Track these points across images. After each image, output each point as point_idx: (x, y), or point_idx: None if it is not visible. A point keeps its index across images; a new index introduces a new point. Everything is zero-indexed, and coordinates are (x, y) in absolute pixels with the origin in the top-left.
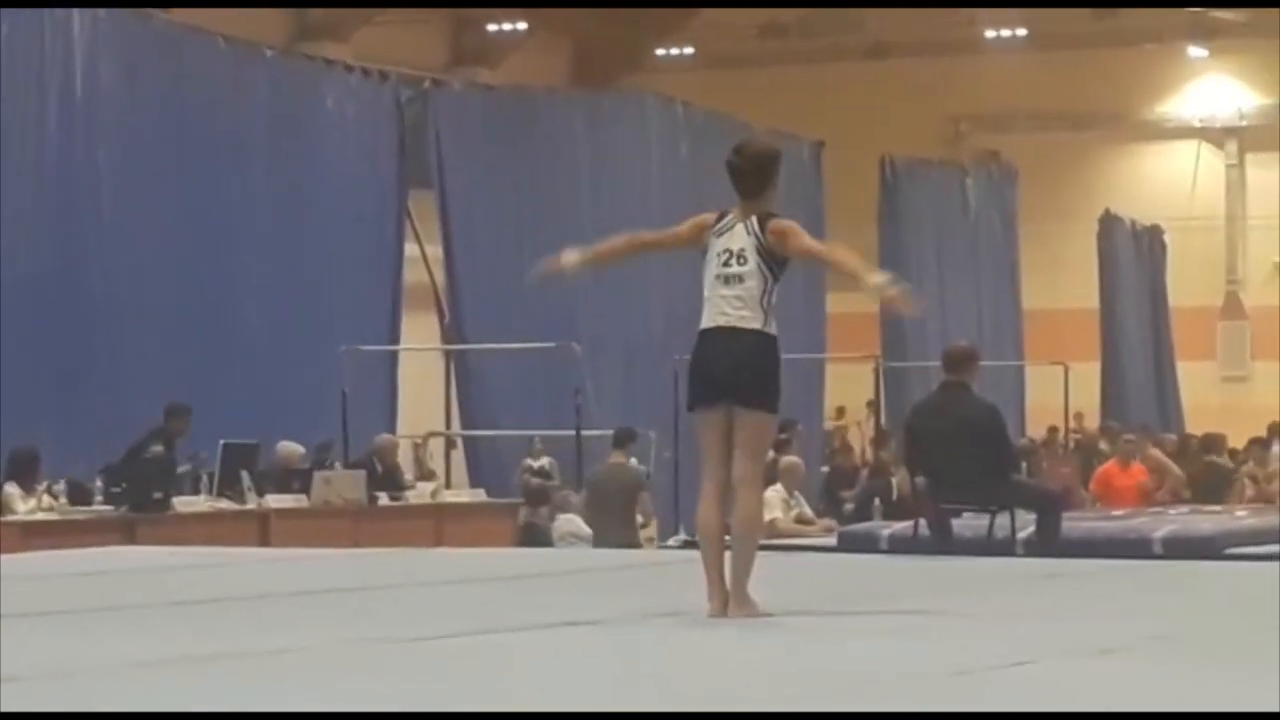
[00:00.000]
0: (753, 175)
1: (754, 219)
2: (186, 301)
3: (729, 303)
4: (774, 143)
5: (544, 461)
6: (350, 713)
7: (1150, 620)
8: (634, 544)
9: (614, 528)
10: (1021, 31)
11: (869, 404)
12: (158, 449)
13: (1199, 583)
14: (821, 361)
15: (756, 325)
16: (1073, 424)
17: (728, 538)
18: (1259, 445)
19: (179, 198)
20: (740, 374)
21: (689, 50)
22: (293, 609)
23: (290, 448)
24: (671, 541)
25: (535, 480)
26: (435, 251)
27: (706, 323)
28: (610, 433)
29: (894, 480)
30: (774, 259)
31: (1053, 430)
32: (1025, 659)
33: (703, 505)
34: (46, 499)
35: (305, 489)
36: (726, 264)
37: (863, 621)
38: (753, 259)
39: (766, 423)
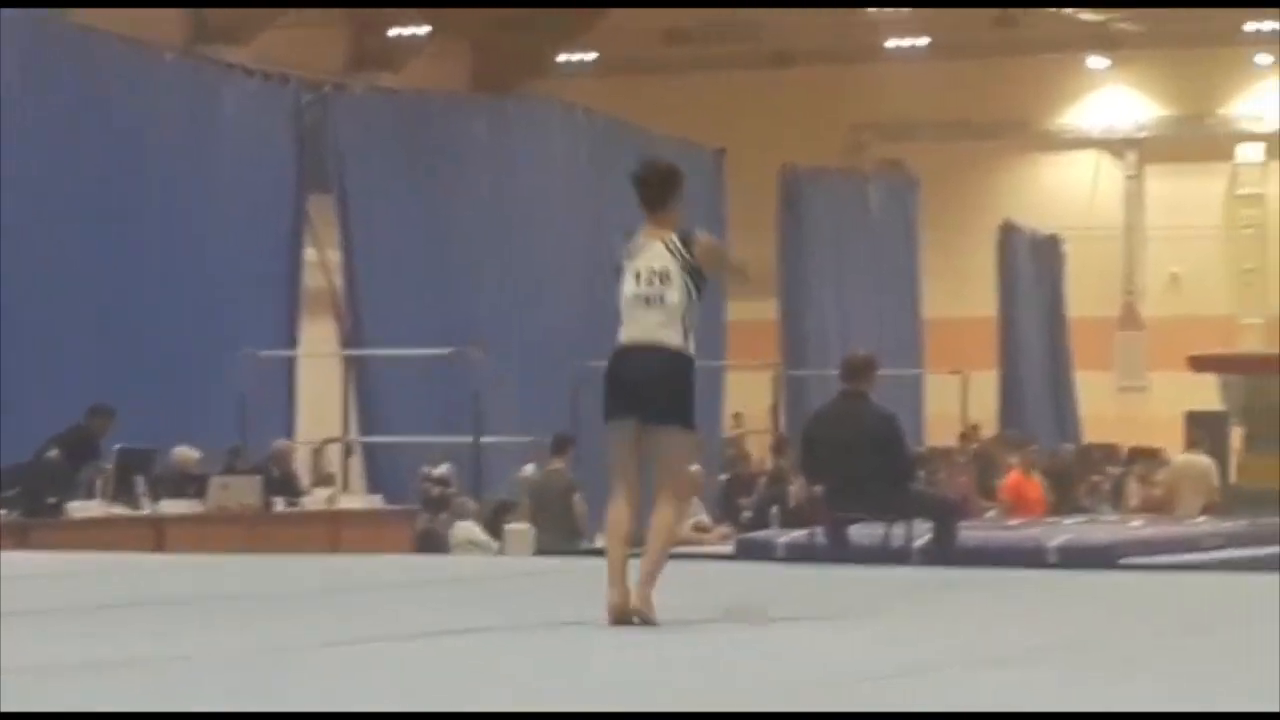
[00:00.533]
0: (659, 188)
1: (674, 237)
2: (84, 305)
3: (651, 321)
4: (675, 159)
5: (443, 469)
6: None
7: (1045, 629)
8: (575, 545)
9: (554, 530)
10: (923, 41)
11: (771, 410)
12: (53, 454)
13: (1094, 591)
14: (720, 369)
15: (677, 343)
16: (968, 432)
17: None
18: (1146, 455)
19: (77, 201)
20: (657, 390)
21: (591, 56)
22: (183, 615)
23: (185, 453)
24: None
25: (435, 488)
26: (335, 256)
27: (625, 339)
28: (512, 439)
29: (791, 488)
30: (698, 276)
31: (964, 437)
32: (921, 668)
33: (612, 507)
34: None
35: (201, 495)
36: (649, 283)
37: (756, 630)
38: (677, 278)
39: (682, 438)
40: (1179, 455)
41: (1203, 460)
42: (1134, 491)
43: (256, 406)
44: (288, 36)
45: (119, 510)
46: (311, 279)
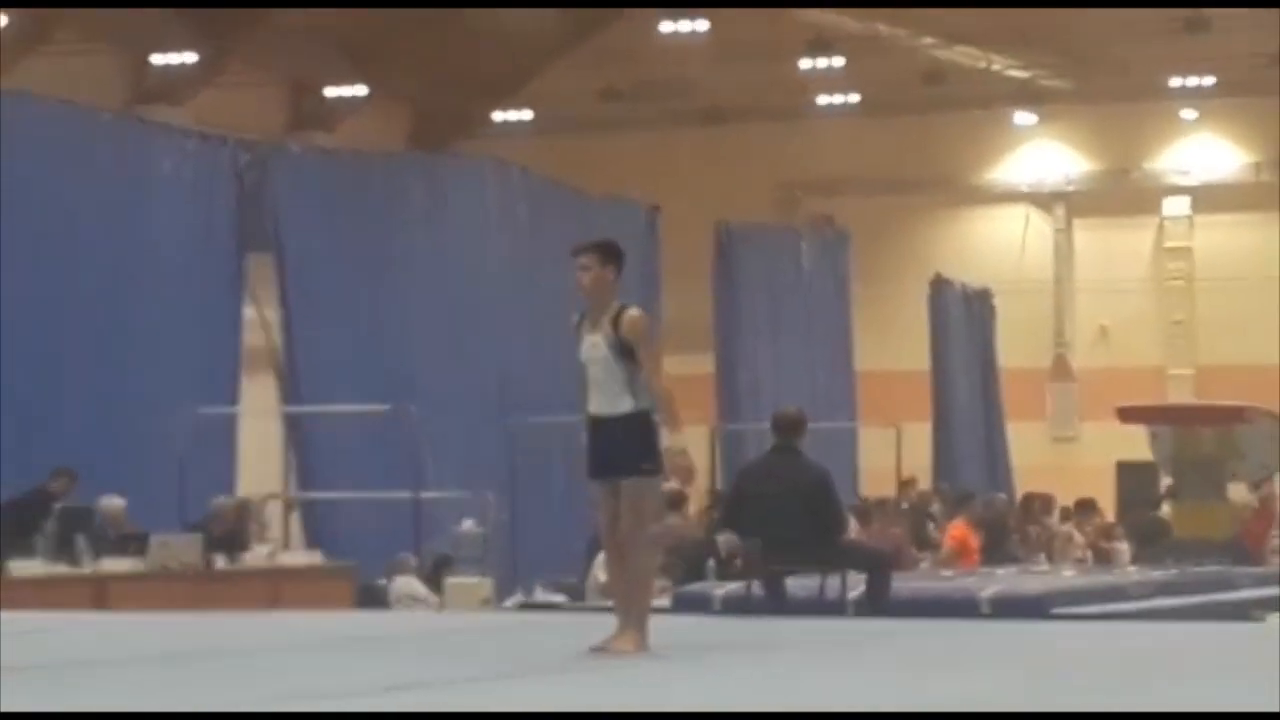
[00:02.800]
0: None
1: (606, 319)
2: (22, 364)
3: (605, 396)
4: (610, 216)
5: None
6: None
7: (976, 679)
8: None
9: None
10: (854, 98)
11: (709, 464)
12: None
13: (1025, 642)
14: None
15: (626, 409)
16: (906, 483)
17: None
18: (1085, 506)
19: (14, 262)
20: (616, 454)
21: (526, 115)
22: (124, 675)
23: (113, 503)
24: (509, 603)
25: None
26: (274, 314)
27: (590, 409)
28: (452, 495)
29: (719, 540)
30: (630, 349)
31: (903, 487)
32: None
33: (606, 565)
34: None
35: (142, 553)
36: (595, 363)
37: (694, 680)
38: (615, 358)
39: (646, 485)
40: None
41: None
42: (1078, 542)
43: (196, 463)
44: (226, 97)
45: (60, 569)
46: (252, 336)
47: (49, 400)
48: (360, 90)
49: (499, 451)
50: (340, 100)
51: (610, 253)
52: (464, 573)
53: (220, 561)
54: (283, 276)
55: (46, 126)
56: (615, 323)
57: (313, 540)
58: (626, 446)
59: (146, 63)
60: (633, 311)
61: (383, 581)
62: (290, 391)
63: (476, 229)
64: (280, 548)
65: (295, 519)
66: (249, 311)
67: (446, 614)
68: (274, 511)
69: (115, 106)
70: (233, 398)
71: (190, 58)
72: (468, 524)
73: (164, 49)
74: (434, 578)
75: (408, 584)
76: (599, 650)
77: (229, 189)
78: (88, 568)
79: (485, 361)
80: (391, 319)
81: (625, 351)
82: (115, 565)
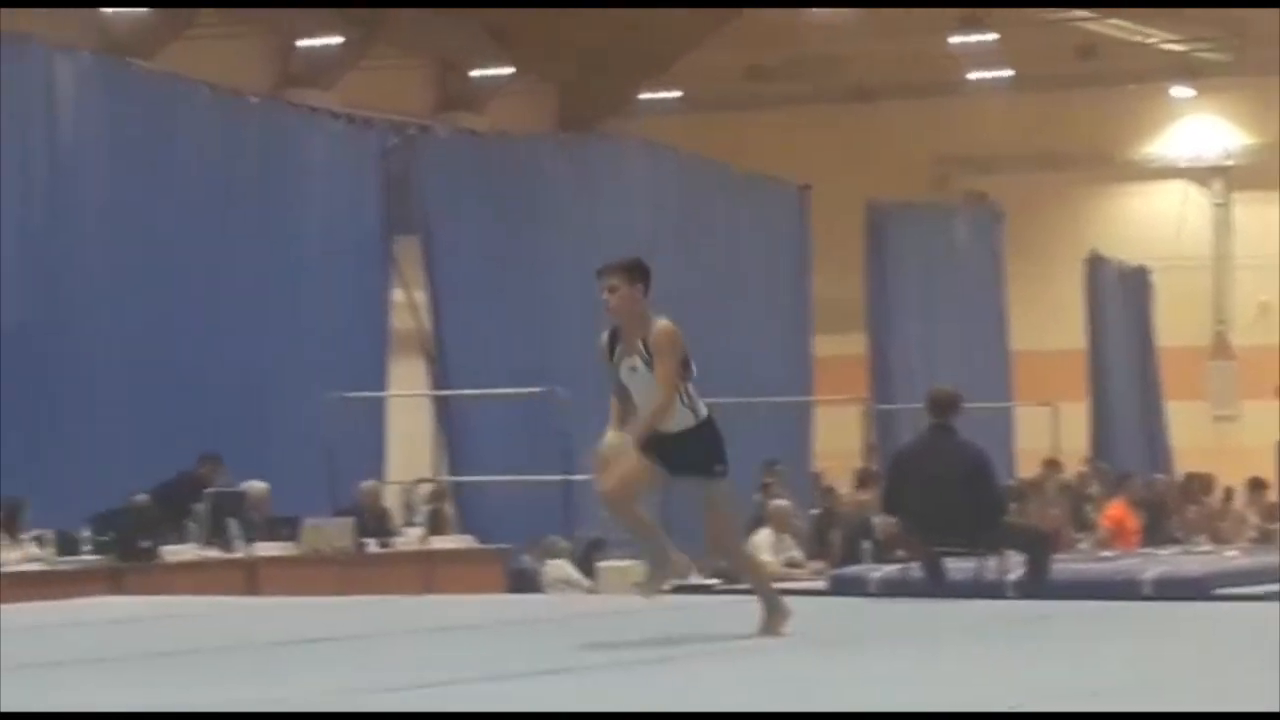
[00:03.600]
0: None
1: (639, 340)
2: (173, 351)
3: (667, 414)
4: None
5: None
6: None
7: (1140, 662)
8: None
9: None
10: (1006, 73)
11: (867, 446)
12: (142, 497)
13: (1188, 624)
14: (808, 404)
15: (689, 424)
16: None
17: None
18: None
19: (163, 247)
20: (686, 461)
21: (675, 94)
22: (278, 658)
23: (257, 487)
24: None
25: None
26: (422, 297)
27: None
28: None
29: (875, 522)
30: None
31: (1051, 464)
32: (1018, 702)
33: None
34: (33, 549)
35: (294, 537)
36: (634, 383)
37: (854, 666)
38: (653, 375)
39: (718, 485)
40: None
41: None
42: (1251, 522)
43: (347, 447)
44: (372, 80)
45: (212, 553)
46: (399, 320)
47: (201, 387)
48: (507, 71)
49: None
50: (487, 81)
51: (636, 271)
52: (616, 556)
53: (372, 545)
54: (430, 259)
55: (197, 111)
56: (647, 342)
57: (463, 524)
58: (694, 454)
59: (293, 46)
60: (662, 322)
61: (529, 564)
62: (439, 375)
63: (625, 209)
64: (431, 532)
65: (447, 503)
66: (397, 294)
67: (600, 598)
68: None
69: (262, 90)
70: (381, 382)
71: (336, 41)
72: None
73: (311, 34)
74: (586, 561)
75: (560, 568)
76: (759, 633)
77: (375, 172)
78: (239, 552)
79: None
80: (539, 300)
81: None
82: (266, 549)
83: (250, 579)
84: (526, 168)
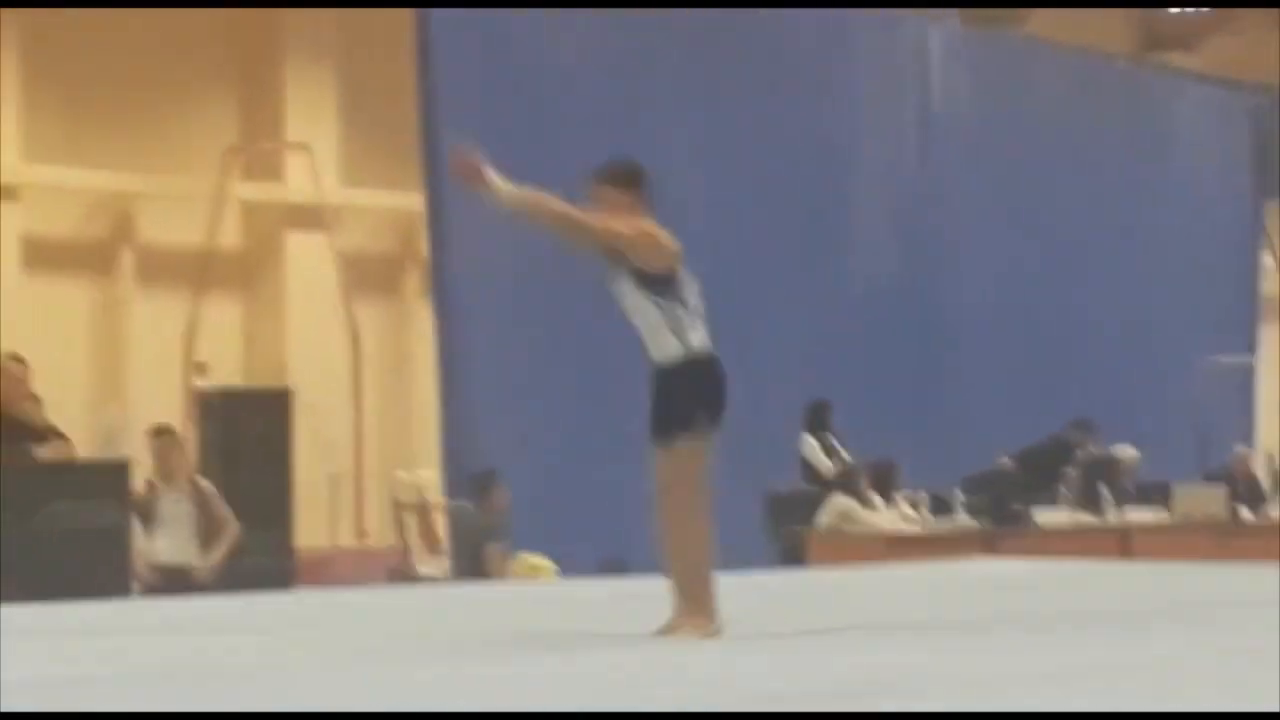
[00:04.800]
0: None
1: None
2: (1041, 314)
3: (646, 342)
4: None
5: None
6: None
7: None
8: None
9: None
10: None
11: None
12: (1005, 461)
13: None
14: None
15: (674, 356)
16: None
17: None
18: None
19: (1025, 212)
20: (656, 414)
21: None
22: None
23: (1127, 453)
24: None
25: None
26: None
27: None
28: None
29: None
30: (640, 275)
31: None
32: None
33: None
34: (906, 509)
35: (1164, 503)
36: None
37: None
38: (631, 293)
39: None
40: None
41: None
42: None
43: (1216, 413)
44: (1239, 43)
45: (1084, 518)
46: (1270, 285)
47: (1062, 349)
48: None
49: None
50: None
51: (622, 177)
52: None
53: (1244, 513)
54: None
55: (1058, 75)
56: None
57: None
58: (657, 407)
59: (1157, 11)
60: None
61: None
62: None
63: None
64: None
65: None
66: (1267, 259)
67: None
68: None
69: (1127, 53)
70: (1250, 347)
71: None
72: None
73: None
74: None
75: None
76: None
77: (1242, 137)
78: (1111, 517)
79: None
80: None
81: (648, 280)
82: (1138, 515)
83: (1123, 544)
84: None
